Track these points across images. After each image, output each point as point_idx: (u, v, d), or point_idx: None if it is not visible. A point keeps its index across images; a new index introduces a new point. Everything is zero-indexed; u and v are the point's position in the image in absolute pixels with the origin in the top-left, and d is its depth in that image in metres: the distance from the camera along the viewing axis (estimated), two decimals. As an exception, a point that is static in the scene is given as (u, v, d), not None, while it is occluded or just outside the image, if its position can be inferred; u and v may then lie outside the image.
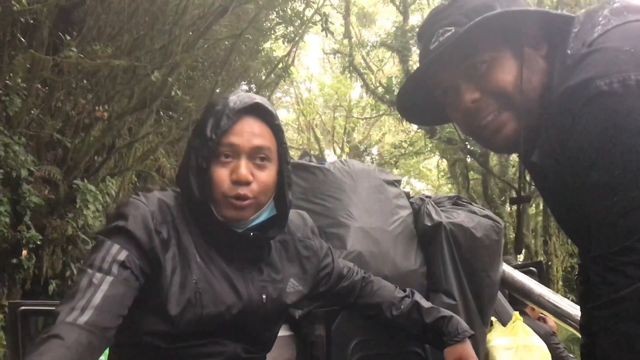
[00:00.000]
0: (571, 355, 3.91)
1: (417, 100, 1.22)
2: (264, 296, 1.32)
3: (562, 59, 1.01)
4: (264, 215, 1.32)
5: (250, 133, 1.27)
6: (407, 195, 2.09)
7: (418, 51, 1.22)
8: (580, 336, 1.53)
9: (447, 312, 1.59)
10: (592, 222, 0.92)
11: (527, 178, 1.20)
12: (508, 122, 1.07)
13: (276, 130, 1.32)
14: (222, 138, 1.25)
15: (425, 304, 1.60)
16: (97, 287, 1.10)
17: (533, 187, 1.24)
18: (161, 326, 1.20)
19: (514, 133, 1.08)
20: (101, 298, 1.09)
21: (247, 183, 1.25)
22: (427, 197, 2.10)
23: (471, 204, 2.11)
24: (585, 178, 0.92)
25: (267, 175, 1.28)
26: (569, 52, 1.01)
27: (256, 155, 1.27)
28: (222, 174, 1.25)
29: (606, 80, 0.89)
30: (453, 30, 1.07)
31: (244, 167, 1.25)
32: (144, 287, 1.18)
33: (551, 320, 4.00)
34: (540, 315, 4.01)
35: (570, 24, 1.05)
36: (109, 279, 1.12)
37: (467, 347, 1.53)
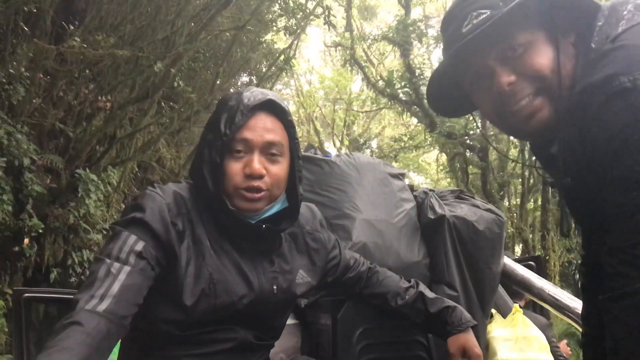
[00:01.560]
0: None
1: (445, 89, 1.22)
2: (274, 287, 1.35)
3: (586, 52, 1.03)
4: (276, 207, 1.35)
5: (263, 128, 1.30)
6: (411, 188, 2.13)
7: (439, 36, 1.20)
8: (577, 329, 1.56)
9: (451, 303, 1.62)
10: (609, 216, 0.94)
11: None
12: (542, 108, 1.07)
13: (288, 126, 1.36)
14: (236, 133, 1.28)
15: (430, 294, 1.64)
16: (115, 276, 1.13)
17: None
18: (176, 315, 1.24)
19: (548, 119, 1.07)
20: (119, 287, 1.12)
21: (260, 177, 1.28)
22: (430, 190, 2.13)
23: (474, 198, 2.15)
24: (605, 172, 0.93)
25: (279, 169, 1.32)
26: (592, 45, 1.02)
27: (269, 149, 1.31)
28: (235, 168, 1.28)
29: (629, 77, 0.90)
30: (488, 13, 1.06)
31: (257, 162, 1.28)
32: (159, 277, 1.22)
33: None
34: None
35: (595, 16, 1.06)
36: (127, 268, 1.15)
37: (470, 337, 1.57)
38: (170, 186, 1.33)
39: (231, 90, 9.37)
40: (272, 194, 1.32)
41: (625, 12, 1.02)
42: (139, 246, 1.18)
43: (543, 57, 1.06)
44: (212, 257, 1.28)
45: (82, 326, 1.04)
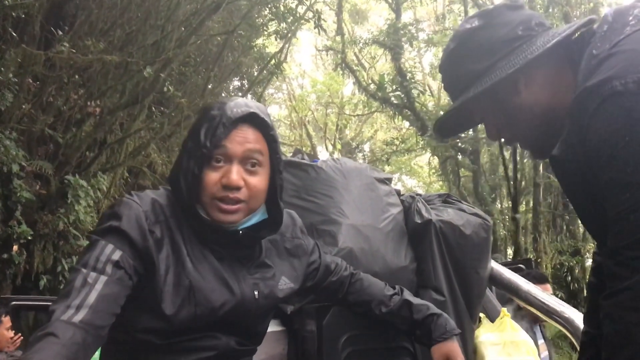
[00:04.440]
0: None
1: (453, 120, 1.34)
2: (256, 293, 1.34)
3: (587, 59, 1.04)
4: (254, 219, 1.34)
5: (243, 139, 1.28)
6: (398, 193, 2.12)
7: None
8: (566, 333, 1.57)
9: (437, 310, 1.61)
10: (607, 218, 0.95)
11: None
12: (525, 143, 1.23)
13: (270, 140, 1.33)
14: (217, 145, 1.27)
15: (415, 300, 1.62)
16: (92, 286, 1.11)
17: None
18: (156, 324, 1.22)
19: (536, 144, 1.21)
20: (95, 297, 1.10)
21: (238, 188, 1.27)
22: (417, 194, 2.12)
23: (461, 202, 2.14)
24: (600, 175, 0.95)
25: (258, 180, 1.30)
26: (594, 52, 1.03)
27: (248, 160, 1.29)
28: (213, 178, 1.27)
29: (621, 81, 0.92)
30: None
31: (235, 173, 1.26)
32: (137, 286, 1.20)
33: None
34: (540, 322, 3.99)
35: (593, 31, 1.07)
36: (103, 278, 1.13)
37: (455, 346, 1.55)
38: (148, 193, 1.31)
39: (223, 94, 9.37)
40: (250, 206, 1.30)
41: (631, 18, 1.03)
42: (116, 255, 1.16)
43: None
44: (192, 264, 1.26)
45: (57, 337, 1.02)
